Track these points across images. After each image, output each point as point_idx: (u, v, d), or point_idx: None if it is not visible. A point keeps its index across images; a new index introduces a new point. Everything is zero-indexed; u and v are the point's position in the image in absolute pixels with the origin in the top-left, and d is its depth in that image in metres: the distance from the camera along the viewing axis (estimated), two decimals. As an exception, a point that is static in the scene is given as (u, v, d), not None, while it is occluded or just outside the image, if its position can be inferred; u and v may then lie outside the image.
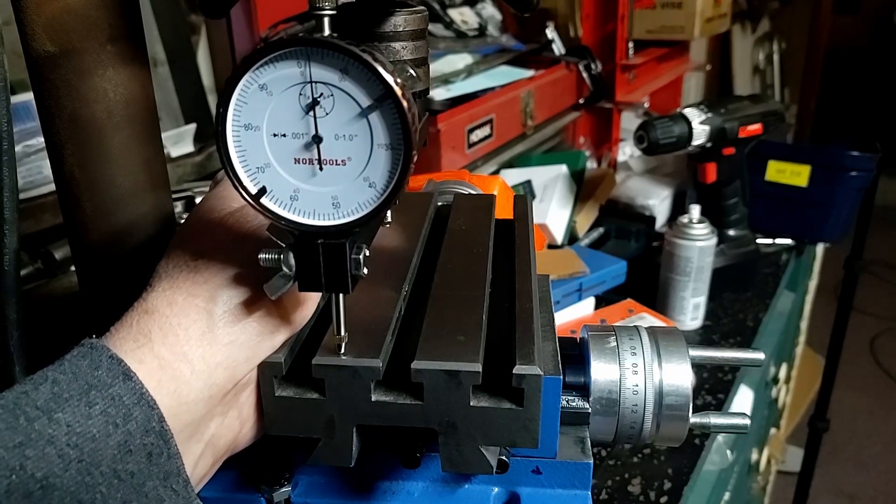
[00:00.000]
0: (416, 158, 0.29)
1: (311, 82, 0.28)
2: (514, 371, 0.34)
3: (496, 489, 0.43)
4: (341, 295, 0.33)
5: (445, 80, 1.23)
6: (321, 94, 0.29)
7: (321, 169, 0.30)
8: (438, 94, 1.18)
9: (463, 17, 1.47)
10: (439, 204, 0.58)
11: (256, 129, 0.29)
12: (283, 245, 0.32)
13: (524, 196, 0.57)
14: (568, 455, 0.42)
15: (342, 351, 0.34)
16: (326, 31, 0.29)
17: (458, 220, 0.52)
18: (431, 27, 1.36)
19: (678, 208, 1.38)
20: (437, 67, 1.28)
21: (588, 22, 1.59)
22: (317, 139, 0.29)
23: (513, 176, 1.32)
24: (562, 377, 0.41)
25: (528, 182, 1.30)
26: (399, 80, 0.28)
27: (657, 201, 1.36)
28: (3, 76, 0.40)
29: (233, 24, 1.16)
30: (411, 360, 0.34)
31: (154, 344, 0.31)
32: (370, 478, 0.43)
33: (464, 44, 1.40)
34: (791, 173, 1.27)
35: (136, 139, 0.47)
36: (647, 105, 1.67)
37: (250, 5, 1.14)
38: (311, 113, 0.29)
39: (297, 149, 0.30)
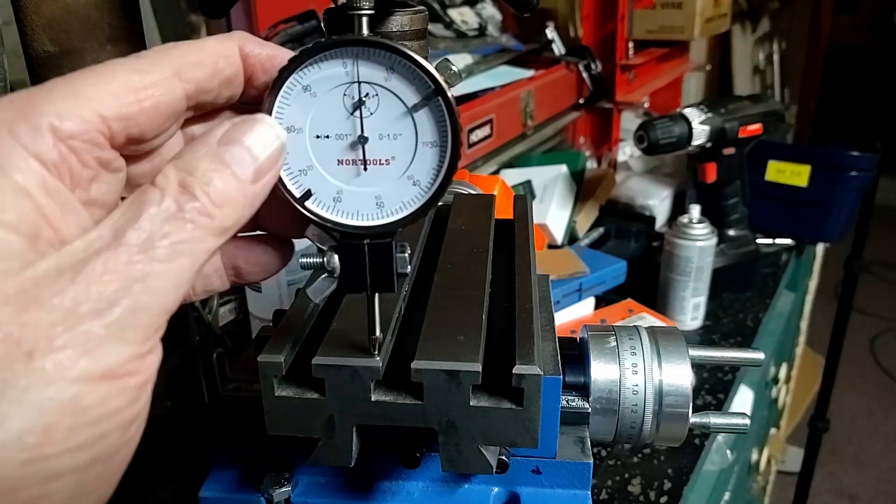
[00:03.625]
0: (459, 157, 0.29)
1: (357, 82, 0.28)
2: (513, 371, 0.34)
3: (496, 489, 0.43)
4: (376, 303, 0.33)
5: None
6: (367, 93, 0.28)
7: (365, 169, 0.29)
8: (438, 94, 1.17)
9: (463, 17, 1.47)
10: (439, 204, 0.58)
11: (299, 131, 0.29)
12: (325, 248, 0.31)
13: (524, 196, 0.57)
14: (568, 455, 0.42)
15: (376, 351, 0.34)
16: (365, 31, 0.29)
17: (457, 219, 0.52)
18: (431, 27, 1.36)
19: (678, 208, 1.38)
20: (437, 67, 1.28)
21: (588, 22, 1.59)
22: (362, 139, 0.29)
23: (513, 176, 1.32)
24: (562, 377, 0.41)
25: (528, 182, 1.30)
26: (445, 77, 0.28)
27: (657, 201, 1.36)
28: (3, 76, 0.40)
29: (233, 25, 1.16)
30: (411, 360, 0.34)
31: None
32: (370, 478, 0.43)
33: (464, 44, 1.40)
34: (791, 173, 1.27)
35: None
36: (647, 105, 1.67)
37: (250, 5, 1.14)
38: (356, 113, 0.29)
39: (340, 150, 0.29)
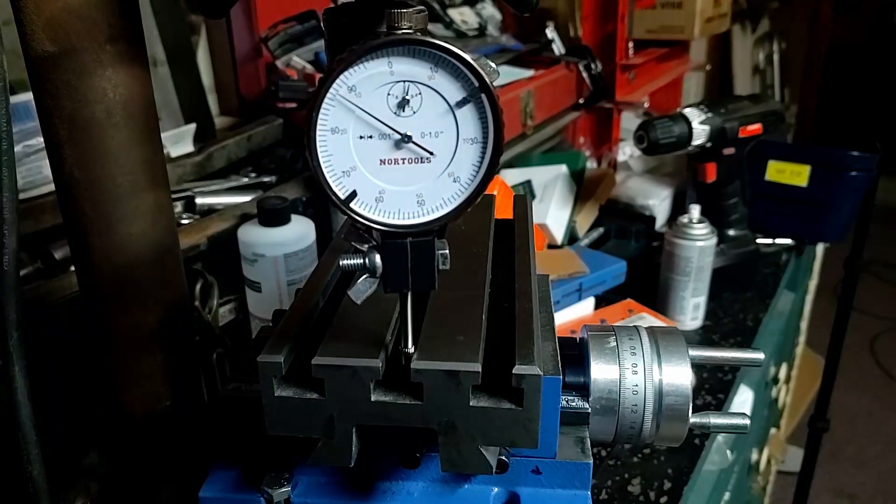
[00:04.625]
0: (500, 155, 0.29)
1: (402, 81, 0.28)
2: (513, 371, 0.34)
3: (496, 489, 0.43)
4: (409, 303, 0.33)
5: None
6: (410, 92, 0.29)
7: (408, 167, 0.30)
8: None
9: (463, 17, 1.47)
10: None
11: (343, 132, 0.29)
12: (364, 248, 0.31)
13: (524, 196, 0.57)
14: (568, 455, 0.42)
15: (412, 365, 0.34)
16: (405, 28, 0.29)
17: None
18: (431, 27, 1.36)
19: (678, 208, 1.38)
20: (437, 67, 1.28)
21: (588, 22, 1.59)
22: (406, 138, 0.29)
23: (513, 176, 1.32)
24: (561, 377, 0.41)
25: (528, 182, 1.30)
26: (487, 73, 0.28)
27: (657, 201, 1.36)
28: (3, 76, 0.40)
29: (233, 24, 1.16)
30: (410, 360, 0.34)
31: None
32: (370, 478, 0.43)
33: (464, 44, 1.40)
34: (791, 173, 1.27)
35: (136, 139, 0.47)
36: (647, 105, 1.67)
37: (250, 5, 1.14)
38: (401, 112, 0.29)
39: (383, 149, 0.29)
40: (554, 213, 1.24)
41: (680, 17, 1.61)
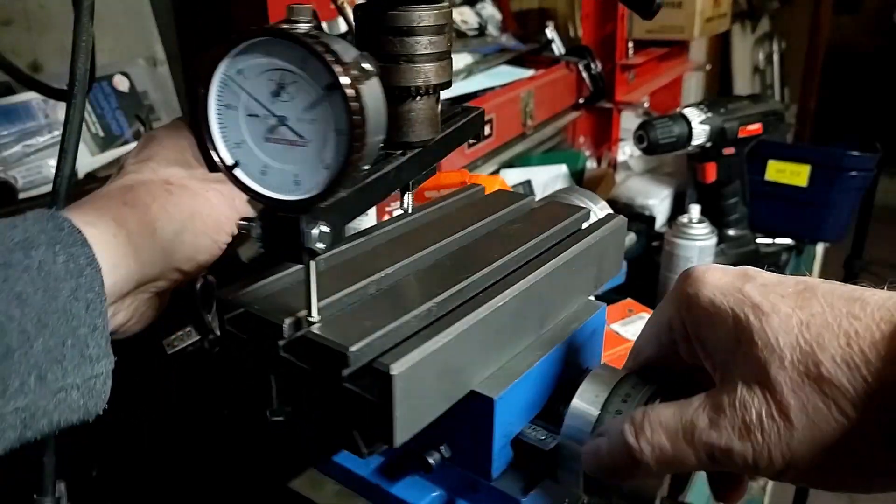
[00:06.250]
0: (370, 146, 0.31)
1: (278, 69, 0.31)
2: (373, 364, 0.34)
3: (436, 493, 0.44)
4: (312, 275, 0.35)
5: (445, 80, 1.23)
6: (286, 80, 0.31)
7: (288, 148, 0.32)
8: (438, 93, 1.17)
9: (463, 16, 1.47)
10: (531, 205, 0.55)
11: (235, 108, 0.33)
12: (253, 219, 0.35)
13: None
14: (504, 484, 0.41)
15: (308, 328, 0.36)
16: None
17: (520, 222, 0.50)
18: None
19: (678, 208, 1.38)
20: (437, 67, 1.28)
21: (588, 22, 1.59)
22: (281, 120, 0.32)
23: (513, 176, 1.32)
24: (496, 398, 0.38)
25: (528, 182, 1.30)
26: (354, 72, 0.30)
27: (657, 201, 1.36)
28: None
29: (234, 24, 1.16)
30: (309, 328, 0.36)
31: (114, 228, 0.38)
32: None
33: (464, 43, 1.40)
34: (791, 173, 1.27)
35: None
36: (646, 105, 1.67)
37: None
38: (278, 97, 0.32)
39: (266, 129, 0.32)
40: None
41: (680, 17, 1.61)
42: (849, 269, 1.65)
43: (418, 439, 0.36)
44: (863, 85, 4.13)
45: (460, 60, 1.32)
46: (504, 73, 1.35)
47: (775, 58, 3.58)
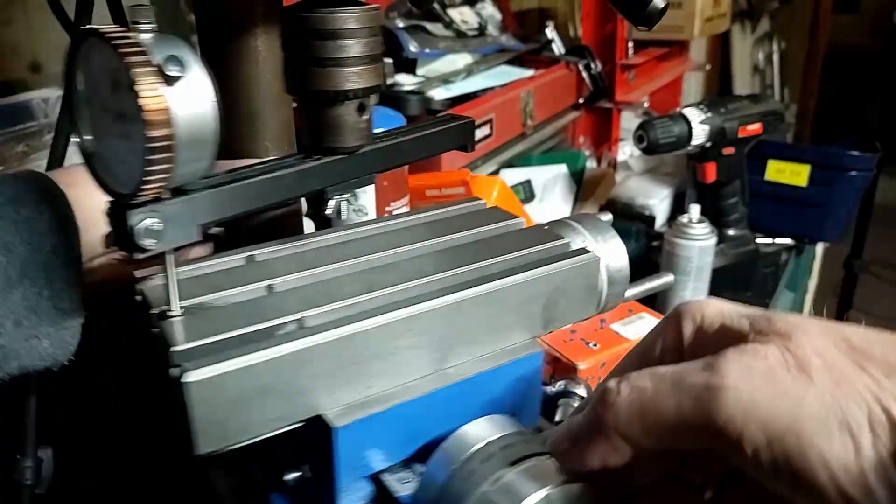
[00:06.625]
0: (165, 151, 0.31)
1: (110, 67, 0.31)
2: (176, 368, 0.31)
3: None
4: (170, 269, 0.35)
5: (445, 79, 1.23)
6: (119, 78, 0.31)
7: (123, 144, 0.32)
8: (438, 93, 1.17)
9: (463, 16, 1.47)
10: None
11: (89, 99, 0.34)
12: None
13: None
14: None
15: (161, 321, 0.35)
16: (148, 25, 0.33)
17: (475, 244, 0.45)
18: (431, 27, 1.36)
19: (678, 208, 1.38)
20: (437, 67, 1.28)
21: (588, 21, 1.59)
22: (117, 116, 0.32)
23: (513, 176, 1.32)
24: (339, 426, 0.34)
25: (528, 182, 1.30)
26: (160, 75, 0.30)
27: (657, 201, 1.36)
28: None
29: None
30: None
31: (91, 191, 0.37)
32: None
33: (463, 43, 1.40)
34: (791, 173, 1.27)
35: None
36: (646, 105, 1.67)
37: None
38: (115, 92, 0.32)
39: (110, 122, 0.33)
40: (553, 213, 1.24)
41: (680, 16, 1.61)
42: (849, 269, 1.65)
43: (293, 454, 0.36)
44: (862, 85, 4.13)
45: (460, 60, 1.32)
46: (504, 73, 1.35)
47: (775, 58, 3.58)
